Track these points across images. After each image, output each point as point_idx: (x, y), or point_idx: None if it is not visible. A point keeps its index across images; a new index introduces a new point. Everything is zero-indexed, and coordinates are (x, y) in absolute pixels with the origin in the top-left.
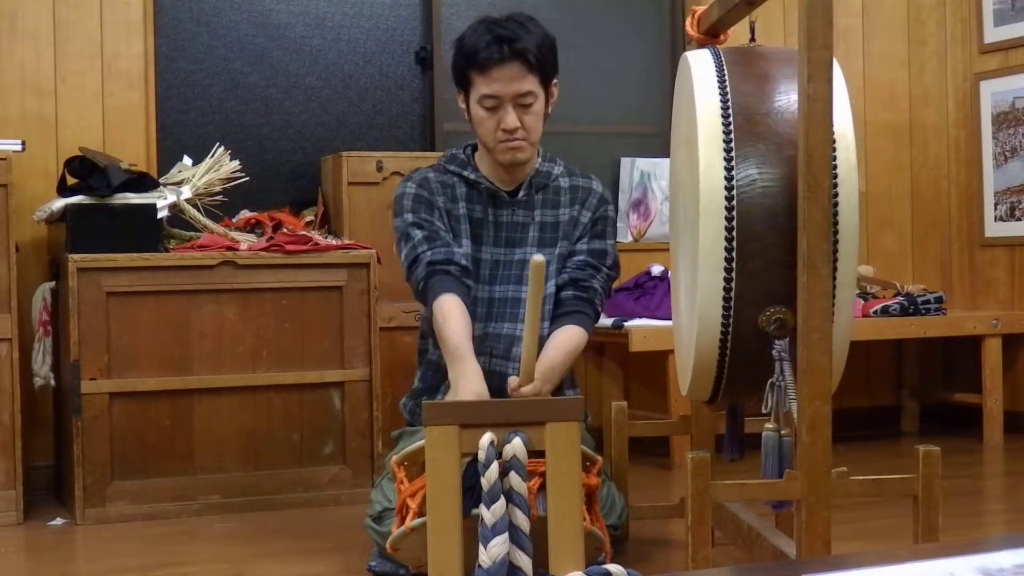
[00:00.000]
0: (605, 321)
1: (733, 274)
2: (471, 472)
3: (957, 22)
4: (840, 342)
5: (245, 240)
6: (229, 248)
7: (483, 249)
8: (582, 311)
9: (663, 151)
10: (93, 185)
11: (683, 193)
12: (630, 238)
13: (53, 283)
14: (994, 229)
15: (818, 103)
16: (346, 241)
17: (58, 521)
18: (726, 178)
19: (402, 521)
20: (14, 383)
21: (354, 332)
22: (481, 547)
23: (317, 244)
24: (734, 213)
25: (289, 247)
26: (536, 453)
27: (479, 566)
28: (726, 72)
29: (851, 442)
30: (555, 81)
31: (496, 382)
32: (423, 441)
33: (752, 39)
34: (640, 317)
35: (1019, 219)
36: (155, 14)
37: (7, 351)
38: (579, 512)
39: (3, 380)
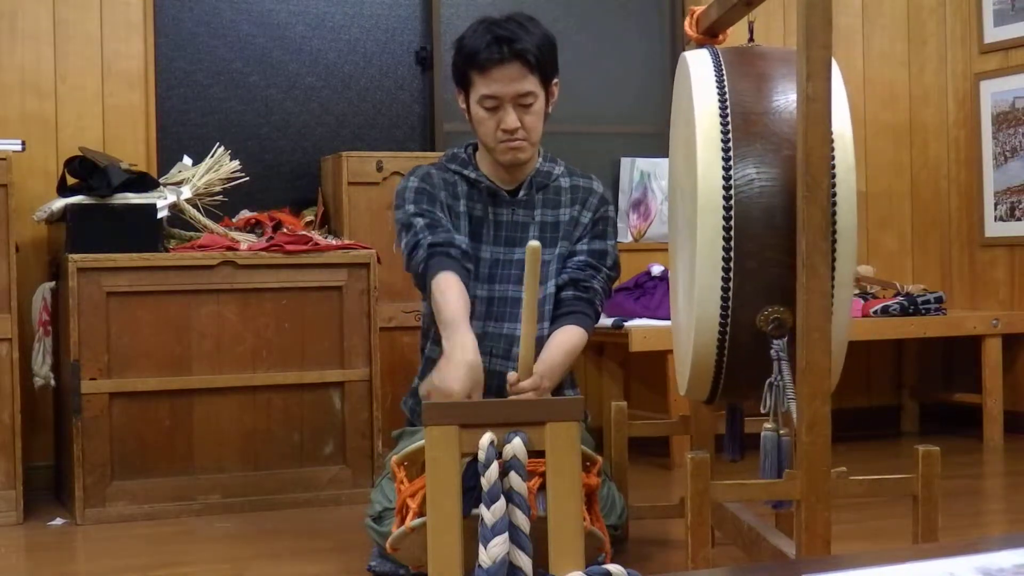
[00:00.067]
0: (605, 321)
1: (731, 273)
2: (471, 472)
3: (957, 22)
4: (838, 342)
5: (245, 240)
6: (229, 248)
7: (482, 248)
8: (582, 311)
9: (663, 151)
10: (93, 185)
11: (681, 193)
12: (630, 238)
13: (53, 283)
14: (994, 229)
15: (817, 103)
16: (346, 241)
17: (58, 521)
18: (724, 178)
19: (402, 521)
20: (14, 383)
21: (354, 332)
22: (481, 547)
23: (317, 244)
24: (732, 213)
25: (289, 247)
26: (536, 453)
27: (479, 566)
28: (724, 72)
29: (851, 442)
30: (555, 81)
31: (496, 382)
32: (423, 441)
33: (751, 39)
34: (640, 317)
35: (1019, 219)
36: (155, 14)
37: (7, 351)
38: (579, 512)
39: (3, 380)
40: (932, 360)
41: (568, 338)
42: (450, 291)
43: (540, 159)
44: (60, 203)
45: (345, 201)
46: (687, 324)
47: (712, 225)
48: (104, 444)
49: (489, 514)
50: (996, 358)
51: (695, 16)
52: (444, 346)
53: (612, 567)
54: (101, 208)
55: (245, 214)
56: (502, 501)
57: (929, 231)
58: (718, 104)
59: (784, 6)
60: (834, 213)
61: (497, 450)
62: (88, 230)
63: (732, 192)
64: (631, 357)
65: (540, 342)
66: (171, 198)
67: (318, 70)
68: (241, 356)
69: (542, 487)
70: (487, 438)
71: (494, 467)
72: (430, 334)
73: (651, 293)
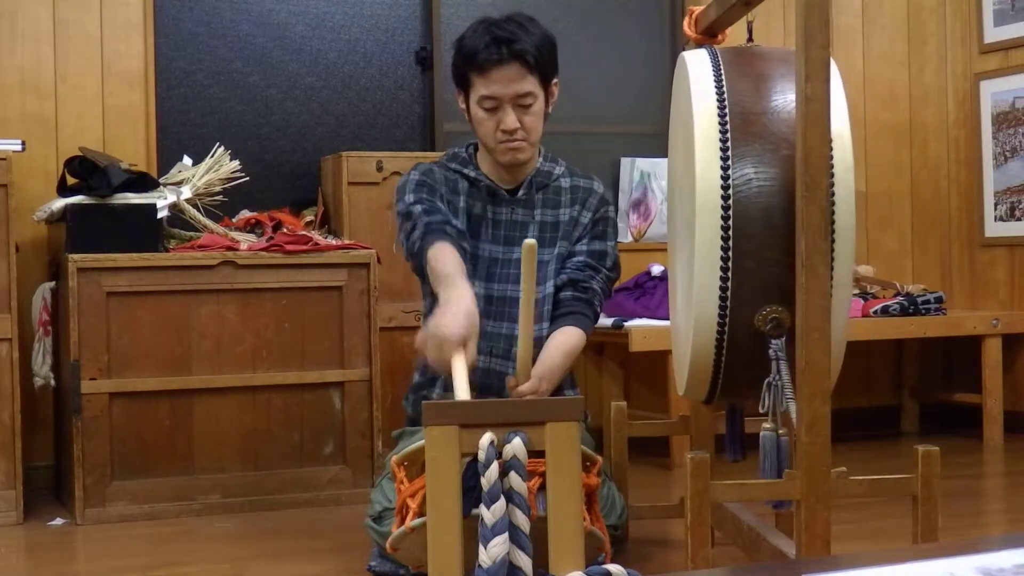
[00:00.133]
0: (605, 321)
1: (729, 273)
2: (471, 472)
3: (957, 22)
4: (837, 342)
5: (245, 240)
6: (229, 248)
7: (481, 246)
8: (581, 312)
9: (663, 151)
10: (93, 185)
11: (680, 192)
12: (630, 238)
13: (53, 283)
14: (994, 229)
15: (815, 103)
16: (346, 241)
17: (58, 521)
18: (722, 177)
19: (402, 521)
20: (14, 383)
21: (354, 332)
22: (481, 547)
23: (317, 244)
24: (730, 212)
25: (289, 247)
26: (536, 453)
27: (479, 566)
28: (723, 72)
29: (851, 442)
30: (555, 81)
31: (496, 382)
32: (423, 441)
33: (749, 39)
34: (640, 317)
35: (1019, 219)
36: (155, 14)
37: (7, 351)
38: (579, 512)
39: (3, 380)
40: (932, 360)
41: (566, 339)
42: (446, 255)
43: (540, 159)
44: (60, 203)
45: (345, 201)
46: (686, 324)
47: (710, 225)
48: (104, 444)
49: (489, 514)
50: (996, 358)
51: (694, 16)
52: (441, 299)
53: (612, 567)
54: (101, 208)
55: (245, 214)
56: (502, 501)
57: (929, 231)
58: (716, 104)
59: (784, 6)
60: (833, 213)
61: (497, 450)
62: (88, 230)
63: (730, 192)
64: (631, 357)
65: (539, 343)
66: (171, 198)
67: (318, 70)
68: (241, 356)
69: (542, 487)
70: (487, 438)
71: (494, 467)
72: None
73: (651, 293)
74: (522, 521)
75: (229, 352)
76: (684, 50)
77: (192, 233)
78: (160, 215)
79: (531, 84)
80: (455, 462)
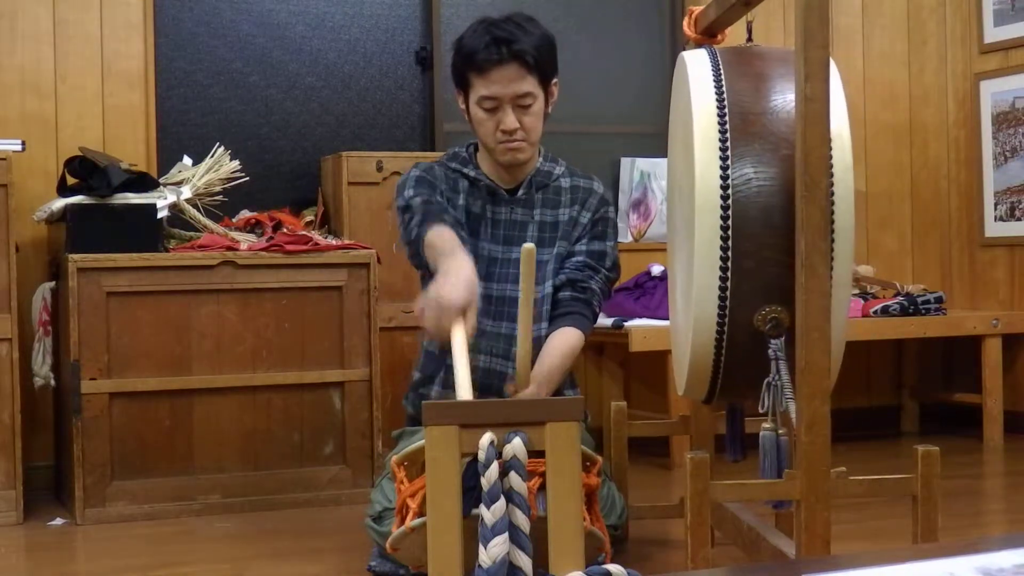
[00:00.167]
0: (605, 321)
1: (728, 273)
2: (471, 472)
3: (957, 22)
4: (836, 342)
5: (245, 240)
6: (229, 248)
7: (480, 245)
8: (579, 312)
9: (663, 151)
10: (93, 185)
11: (679, 192)
12: (630, 238)
13: (53, 283)
14: (994, 229)
15: (815, 103)
16: (346, 241)
17: (58, 521)
18: (721, 177)
19: (402, 521)
20: (14, 383)
21: (354, 332)
22: (481, 547)
23: (317, 244)
24: (729, 212)
25: (289, 247)
26: (536, 453)
27: (479, 566)
28: (722, 72)
29: (851, 442)
30: (555, 81)
31: (496, 382)
32: (423, 441)
33: (749, 39)
34: (640, 317)
35: (1019, 219)
36: (155, 14)
37: (7, 351)
38: (579, 512)
39: (3, 380)
40: (932, 360)
41: (565, 340)
42: (444, 234)
43: (541, 159)
44: (60, 203)
45: (345, 201)
46: (685, 324)
47: (710, 225)
48: (104, 444)
49: (489, 514)
50: (996, 358)
51: (693, 16)
52: (440, 269)
53: (612, 567)
54: (101, 208)
55: (245, 214)
56: (502, 501)
57: (929, 231)
58: (716, 104)
59: (784, 6)
60: (832, 213)
61: (497, 450)
62: (88, 230)
63: (730, 192)
64: (631, 357)
65: (537, 343)
66: (171, 198)
67: (318, 70)
68: (241, 356)
69: (542, 487)
70: (487, 438)
71: (494, 467)
72: None
73: (651, 293)
74: (522, 521)
75: (229, 352)
76: (684, 50)
77: (192, 233)
78: (160, 215)
79: (530, 84)
80: (455, 462)
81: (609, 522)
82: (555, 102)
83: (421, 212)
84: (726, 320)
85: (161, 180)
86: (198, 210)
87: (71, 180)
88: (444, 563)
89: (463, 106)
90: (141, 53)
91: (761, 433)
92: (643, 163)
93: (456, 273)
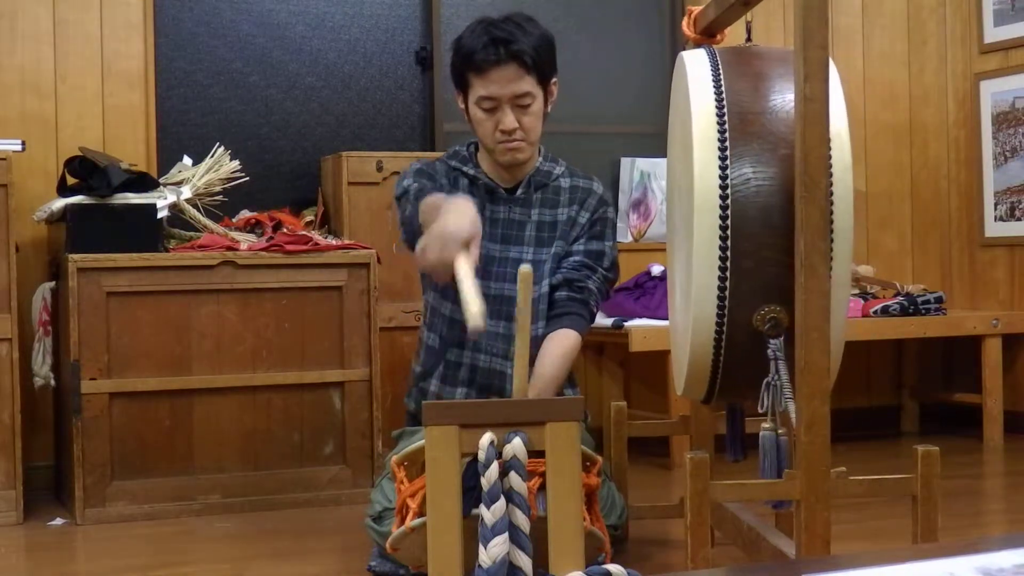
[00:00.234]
0: (605, 321)
1: (727, 273)
2: (471, 472)
3: (957, 22)
4: (836, 342)
5: (245, 240)
6: (229, 248)
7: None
8: (576, 312)
9: (663, 151)
10: (93, 185)
11: (678, 192)
12: (630, 238)
13: (53, 283)
14: (994, 229)
15: (814, 103)
16: (346, 241)
17: (58, 521)
18: (721, 177)
19: (402, 521)
20: (14, 383)
21: (354, 332)
22: (481, 547)
23: (317, 244)
24: (728, 212)
25: (289, 247)
26: (536, 453)
27: (479, 566)
28: (721, 72)
29: (851, 442)
30: (554, 80)
31: (496, 381)
32: (423, 441)
33: (748, 39)
34: (640, 317)
35: (1019, 219)
36: (155, 14)
37: (7, 351)
38: (579, 512)
39: (3, 380)
40: (932, 360)
41: (561, 343)
42: (439, 196)
43: (540, 158)
44: (60, 203)
45: (345, 201)
46: (684, 324)
47: (709, 224)
48: (104, 444)
49: (489, 514)
50: (996, 358)
51: (693, 16)
52: (441, 209)
53: (612, 567)
54: (101, 208)
55: (245, 214)
56: (502, 501)
57: (929, 231)
58: (715, 104)
59: (783, 6)
60: (831, 213)
61: (497, 450)
62: (88, 230)
63: (729, 191)
64: (631, 357)
65: (535, 342)
66: (171, 198)
67: (318, 70)
68: (241, 356)
69: (542, 487)
70: (487, 438)
71: (494, 467)
72: (432, 324)
73: (651, 293)
74: (522, 521)
75: (229, 352)
76: (683, 50)
77: (192, 233)
78: (160, 215)
79: (529, 84)
80: (455, 462)
81: (609, 522)
82: (554, 102)
83: (415, 193)
84: (725, 320)
85: (161, 180)
86: (198, 210)
87: (71, 180)
88: (444, 563)
89: (462, 106)
90: (141, 53)
91: (761, 433)
92: (643, 163)
93: (457, 209)
